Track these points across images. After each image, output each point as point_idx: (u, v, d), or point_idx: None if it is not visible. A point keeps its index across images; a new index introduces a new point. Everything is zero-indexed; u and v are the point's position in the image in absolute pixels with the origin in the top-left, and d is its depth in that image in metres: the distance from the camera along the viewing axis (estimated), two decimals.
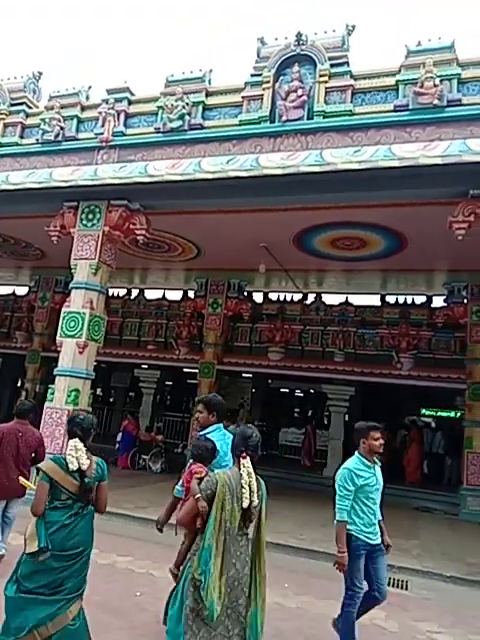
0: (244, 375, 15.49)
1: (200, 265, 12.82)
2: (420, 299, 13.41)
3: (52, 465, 3.04)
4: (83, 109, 9.63)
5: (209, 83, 8.85)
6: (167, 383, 16.53)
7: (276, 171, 7.39)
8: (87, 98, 9.77)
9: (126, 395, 18.50)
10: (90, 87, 9.84)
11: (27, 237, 11.99)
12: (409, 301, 13.45)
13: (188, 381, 15.68)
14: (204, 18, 47.09)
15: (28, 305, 16.08)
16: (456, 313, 11.66)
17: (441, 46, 7.58)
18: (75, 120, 9.50)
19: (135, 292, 16.22)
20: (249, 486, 2.78)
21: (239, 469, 2.84)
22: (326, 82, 7.94)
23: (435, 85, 7.24)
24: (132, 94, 9.31)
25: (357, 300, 14.10)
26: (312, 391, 16.43)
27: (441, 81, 7.30)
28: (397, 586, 5.91)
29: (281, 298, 14.69)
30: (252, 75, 8.46)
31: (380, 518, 4.16)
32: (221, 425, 3.61)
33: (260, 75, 8.30)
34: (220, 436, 3.59)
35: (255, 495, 2.81)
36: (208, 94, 8.73)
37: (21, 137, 10.02)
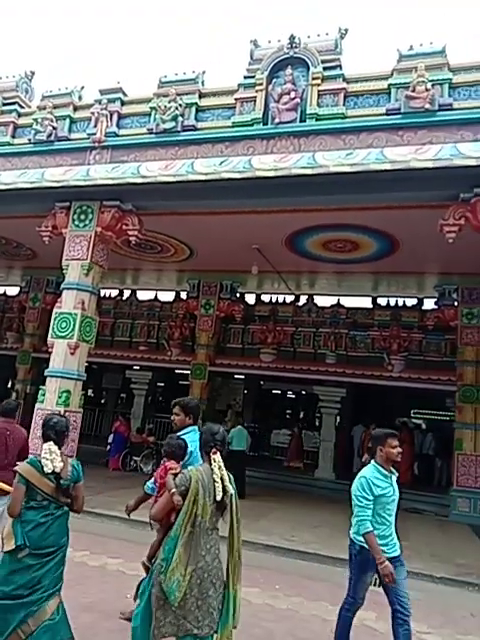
0: (236, 376, 15.50)
1: (192, 266, 12.82)
2: (411, 301, 13.50)
3: (28, 468, 3.12)
4: (76, 109, 9.60)
5: (202, 84, 8.86)
6: (159, 384, 16.49)
7: (269, 173, 7.41)
8: (80, 98, 9.74)
9: (117, 396, 18.44)
10: (83, 87, 9.81)
11: (18, 237, 11.93)
12: (400, 303, 13.53)
13: (180, 382, 15.65)
14: (204, 18, 47.17)
15: (19, 305, 15.98)
16: (447, 315, 11.75)
17: (433, 51, 7.64)
18: (68, 120, 9.48)
19: (127, 293, 16.19)
20: (221, 480, 2.88)
21: (210, 464, 2.94)
22: (319, 85, 7.98)
23: (427, 89, 7.30)
24: (125, 95, 9.30)
25: (349, 302, 14.18)
26: (304, 393, 16.48)
27: (433, 85, 7.35)
28: None
29: (273, 300, 14.73)
30: (245, 77, 8.48)
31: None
32: (196, 427, 3.66)
33: (253, 77, 8.33)
34: (195, 437, 3.62)
35: (230, 489, 2.92)
36: (201, 95, 8.74)
37: (13, 137, 9.97)
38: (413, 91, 7.35)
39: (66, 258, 8.77)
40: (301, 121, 7.92)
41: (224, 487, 2.89)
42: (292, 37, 8.17)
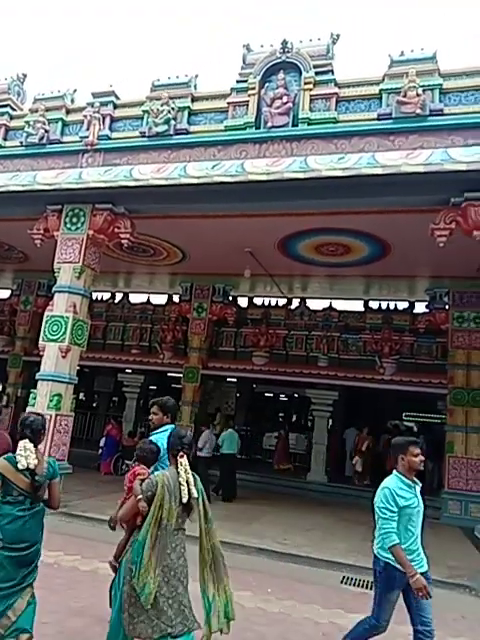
0: (229, 380, 15.49)
1: (185, 269, 12.81)
2: (403, 305, 13.55)
3: (4, 463, 3.20)
4: (68, 112, 9.59)
5: (195, 88, 8.90)
6: (151, 388, 16.43)
7: (261, 177, 7.45)
8: (72, 101, 9.74)
9: (109, 400, 18.35)
10: (75, 90, 9.82)
11: (10, 240, 11.88)
12: (392, 307, 13.59)
13: (172, 386, 15.61)
14: (204, 18, 47.29)
15: (10, 308, 15.88)
16: (438, 319, 11.82)
17: (423, 57, 7.73)
18: (60, 123, 9.47)
19: (119, 296, 16.14)
20: (187, 482, 2.98)
21: (176, 467, 3.04)
22: (311, 90, 8.03)
23: (418, 95, 7.38)
24: (118, 98, 9.31)
25: (341, 305, 14.22)
26: (296, 396, 16.50)
27: (423, 91, 7.44)
28: None
29: (266, 303, 14.75)
30: (238, 81, 8.52)
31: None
32: (174, 426, 3.72)
33: (246, 81, 8.37)
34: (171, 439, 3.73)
35: (194, 491, 3.00)
36: (194, 99, 8.77)
37: (5, 139, 9.95)
38: (404, 96, 7.42)
39: (58, 261, 8.75)
40: (293, 125, 7.97)
41: (189, 490, 2.98)
42: (284, 42, 8.22)
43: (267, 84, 8.27)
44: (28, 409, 8.32)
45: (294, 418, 18.13)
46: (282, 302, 14.57)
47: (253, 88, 8.27)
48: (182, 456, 3.06)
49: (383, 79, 7.79)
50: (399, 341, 12.69)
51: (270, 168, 7.48)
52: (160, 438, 3.56)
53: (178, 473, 3.01)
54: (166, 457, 3.42)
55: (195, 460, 10.85)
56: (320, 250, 10.53)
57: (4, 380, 15.41)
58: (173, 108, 8.56)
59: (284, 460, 14.21)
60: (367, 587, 6.01)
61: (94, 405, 18.86)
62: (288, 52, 8.23)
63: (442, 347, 12.29)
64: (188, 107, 8.64)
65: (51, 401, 8.15)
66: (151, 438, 3.77)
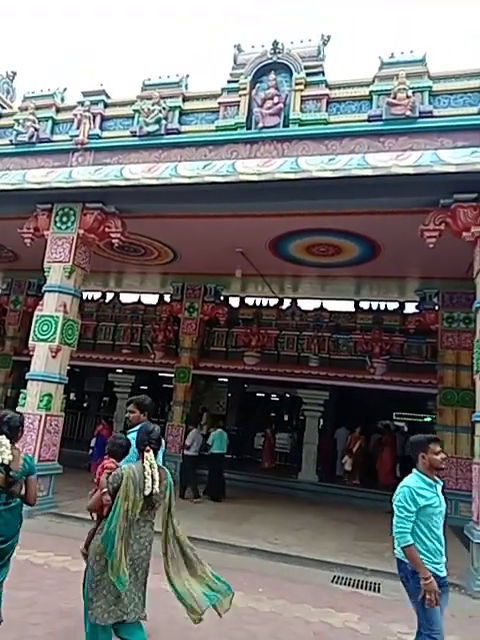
0: (220, 380, 15.48)
1: (176, 269, 12.79)
2: (393, 305, 13.63)
3: None
4: (58, 111, 9.53)
5: (186, 88, 8.88)
6: (142, 388, 16.37)
7: (252, 177, 7.46)
8: (62, 100, 9.68)
9: (100, 400, 18.28)
10: (65, 89, 9.75)
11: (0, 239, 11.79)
12: (382, 307, 13.67)
13: (163, 386, 15.59)
14: (204, 18, 47.21)
15: (0, 308, 15.76)
16: (428, 319, 11.90)
17: (413, 59, 7.77)
18: (50, 122, 9.40)
19: (110, 296, 16.08)
20: (151, 476, 3.11)
21: (143, 462, 3.18)
22: (302, 90, 8.05)
23: (408, 96, 7.42)
24: (108, 97, 9.27)
25: (332, 306, 14.27)
26: (287, 396, 16.53)
27: (413, 93, 7.47)
28: (370, 588, 5.99)
29: (257, 303, 14.76)
30: (229, 81, 8.52)
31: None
32: (144, 423, 3.75)
33: (237, 82, 8.37)
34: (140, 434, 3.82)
35: (157, 483, 3.13)
36: (185, 99, 8.75)
37: None
38: (394, 98, 7.46)
39: (48, 260, 8.71)
40: (284, 126, 7.98)
41: (152, 483, 3.12)
42: (275, 43, 8.23)
43: (258, 84, 8.28)
44: (18, 410, 8.27)
45: (286, 418, 18.15)
46: (273, 302, 14.60)
47: (244, 88, 8.28)
48: (148, 451, 3.20)
49: (373, 81, 7.83)
50: (389, 341, 12.76)
51: (261, 168, 7.50)
52: (132, 438, 3.65)
53: (143, 467, 3.14)
54: (163, 452, 3.54)
55: (182, 459, 10.93)
56: (311, 250, 10.56)
57: None
58: (164, 108, 8.54)
59: (270, 458, 14.28)
60: (357, 586, 6.05)
61: (85, 405, 18.77)
62: (279, 53, 8.24)
63: (432, 347, 12.37)
64: (179, 107, 8.63)
65: (41, 401, 8.11)
66: (129, 436, 3.85)
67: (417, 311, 12.70)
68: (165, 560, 3.29)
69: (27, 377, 8.39)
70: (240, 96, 8.30)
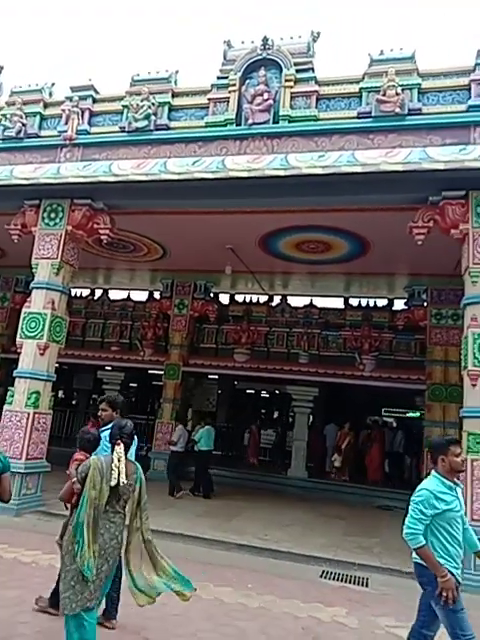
0: (210, 377, 15.47)
1: (166, 266, 12.74)
2: (382, 302, 13.71)
3: None
4: (46, 106, 9.43)
5: (175, 84, 8.83)
6: (131, 385, 16.32)
7: (242, 173, 7.45)
8: (50, 95, 9.58)
9: (89, 397, 18.18)
10: (53, 84, 9.65)
11: None
12: (371, 304, 13.73)
13: (153, 383, 15.54)
14: (204, 18, 46.96)
15: None
16: (416, 316, 11.97)
17: (402, 56, 7.79)
18: (38, 117, 9.30)
19: (99, 292, 15.98)
20: (118, 468, 3.22)
21: (112, 454, 3.31)
22: (292, 87, 8.04)
23: (397, 94, 7.43)
24: (97, 92, 9.19)
25: (321, 303, 14.31)
26: (277, 392, 16.56)
27: (402, 90, 7.49)
28: (358, 583, 6.03)
29: (247, 300, 14.76)
30: (218, 77, 8.47)
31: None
32: (117, 419, 3.84)
33: (226, 78, 8.33)
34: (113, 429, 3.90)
35: (123, 476, 3.23)
36: (174, 95, 8.70)
37: None
38: (384, 95, 7.47)
39: (36, 257, 8.63)
40: (274, 122, 7.96)
41: (119, 475, 3.23)
42: (265, 39, 8.21)
43: (248, 81, 8.25)
44: (5, 407, 8.21)
45: (276, 414, 18.19)
46: (263, 299, 14.60)
47: (234, 84, 8.24)
48: (118, 444, 3.32)
49: (363, 78, 7.83)
50: (378, 338, 12.83)
51: (251, 165, 7.48)
52: (101, 433, 3.82)
53: (112, 459, 3.27)
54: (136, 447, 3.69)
55: (169, 455, 10.94)
56: (301, 247, 10.58)
57: None
58: (153, 103, 8.48)
59: (255, 455, 14.38)
60: (346, 581, 6.09)
61: (73, 403, 18.67)
62: (269, 49, 8.22)
63: (420, 344, 12.46)
64: (168, 103, 8.58)
65: (29, 399, 8.05)
66: (102, 434, 3.97)
67: (406, 308, 12.78)
68: (127, 549, 3.42)
69: (15, 374, 8.32)
70: (230, 92, 8.27)
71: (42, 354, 8.21)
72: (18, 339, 8.43)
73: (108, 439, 3.53)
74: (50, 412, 8.48)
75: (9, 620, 4.05)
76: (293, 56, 8.17)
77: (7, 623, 3.99)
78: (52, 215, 8.69)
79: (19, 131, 9.14)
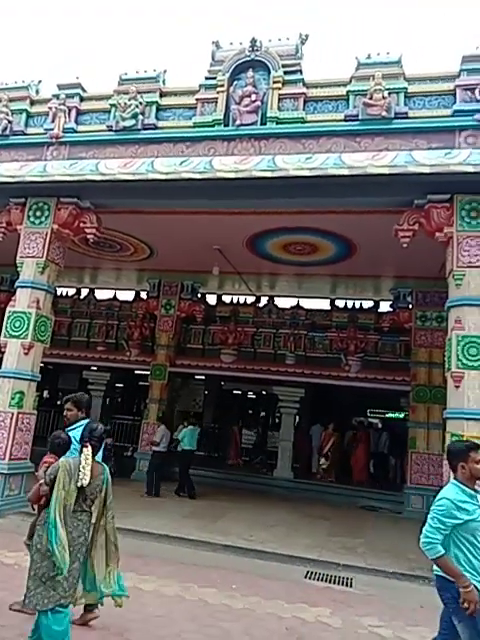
0: (197, 377, 15.44)
1: (153, 266, 12.69)
2: (368, 304, 13.80)
3: None
4: (32, 103, 9.34)
5: (163, 83, 8.80)
6: (117, 385, 16.23)
7: (229, 174, 7.45)
8: (37, 92, 9.48)
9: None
10: (40, 81, 9.56)
11: None
12: (357, 306, 13.82)
13: (139, 383, 15.46)
14: (204, 18, 46.81)
15: None
16: (401, 318, 12.09)
17: (389, 60, 7.84)
18: (24, 114, 9.20)
19: (85, 292, 15.86)
20: (85, 469, 3.35)
21: (80, 456, 3.43)
22: (279, 89, 8.06)
23: (384, 97, 7.49)
24: (84, 90, 9.12)
25: (308, 304, 14.37)
26: (264, 393, 16.58)
27: (389, 94, 7.55)
28: (342, 583, 6.06)
29: (234, 300, 14.77)
30: (207, 78, 8.47)
31: None
32: (89, 420, 3.89)
33: (215, 78, 8.33)
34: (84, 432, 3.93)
35: (87, 477, 3.35)
36: (162, 94, 8.68)
37: None
38: (370, 98, 7.52)
39: (21, 255, 8.55)
40: (262, 124, 7.97)
41: (85, 475, 3.36)
42: (253, 40, 8.22)
43: (236, 82, 8.25)
44: None
45: (263, 415, 18.21)
46: (251, 300, 14.62)
47: (222, 85, 8.24)
48: (86, 447, 3.44)
49: (350, 81, 7.87)
50: (364, 339, 12.92)
51: (238, 166, 7.49)
52: (77, 433, 3.77)
53: (80, 460, 3.39)
54: (103, 449, 3.78)
55: (151, 455, 10.93)
56: (288, 249, 10.61)
57: None
58: (141, 102, 8.45)
59: (236, 455, 14.44)
60: (330, 581, 6.12)
61: (58, 403, 18.49)
62: (257, 50, 8.23)
63: (405, 345, 12.57)
64: (156, 102, 8.55)
65: (13, 399, 7.96)
66: (70, 433, 3.99)
67: (391, 310, 12.89)
68: (92, 545, 3.56)
69: None
70: (218, 93, 8.27)
71: (26, 354, 8.14)
72: (2, 338, 8.33)
73: (77, 440, 3.61)
74: (34, 412, 8.40)
75: None
76: (281, 58, 8.19)
77: None
78: (38, 213, 8.61)
79: (5, 128, 9.03)
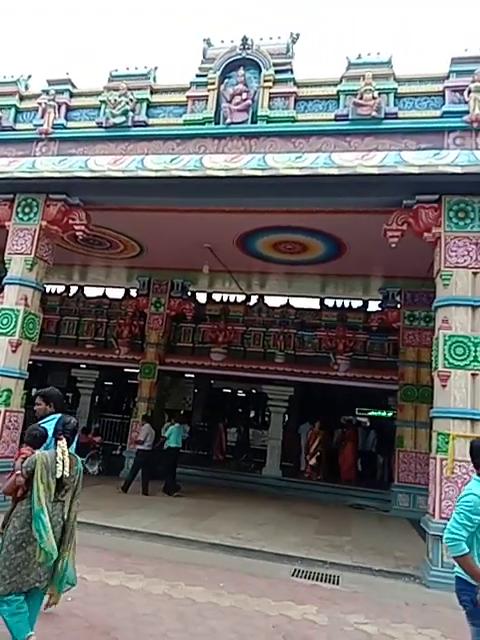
0: (186, 376, 15.43)
1: (143, 263, 12.65)
2: (357, 303, 13.88)
3: None
4: (22, 99, 9.25)
5: (154, 80, 8.76)
6: (106, 383, 16.16)
7: (219, 172, 7.44)
8: (26, 88, 9.40)
9: (63, 396, 17.92)
10: (29, 76, 9.48)
11: None
12: (346, 305, 13.89)
13: (129, 381, 15.41)
14: (204, 18, 46.58)
15: None
16: (390, 317, 12.16)
17: (379, 61, 7.87)
18: (13, 110, 9.12)
19: (74, 289, 15.76)
20: (62, 461, 3.46)
21: (56, 448, 3.53)
22: (270, 87, 8.06)
23: (374, 97, 7.51)
24: (74, 87, 9.06)
25: (298, 303, 14.40)
26: (253, 391, 16.61)
27: (379, 94, 7.58)
28: (329, 581, 6.09)
29: (224, 299, 14.76)
30: (198, 75, 8.45)
31: None
32: (59, 415, 3.90)
33: (205, 76, 8.31)
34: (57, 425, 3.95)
35: (67, 468, 3.48)
36: (153, 91, 8.64)
37: None
38: (360, 99, 7.55)
39: (9, 252, 8.47)
40: (252, 122, 7.97)
41: (63, 467, 3.47)
42: (245, 39, 8.22)
43: (227, 80, 8.24)
44: None
45: (253, 413, 18.25)
46: (241, 298, 14.62)
47: (213, 83, 8.22)
48: (61, 439, 3.56)
49: (341, 80, 7.90)
50: (353, 338, 12.98)
51: (228, 164, 7.48)
52: (48, 428, 3.83)
53: (56, 453, 3.49)
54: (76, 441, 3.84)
55: (136, 454, 10.91)
56: (278, 248, 10.63)
57: None
58: (131, 99, 8.41)
59: (221, 452, 14.46)
60: (317, 579, 6.15)
61: None
62: (248, 49, 8.23)
63: (393, 345, 12.65)
64: (147, 99, 8.51)
65: (0, 397, 7.90)
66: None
67: (380, 309, 12.95)
68: (62, 532, 3.65)
69: None
70: (208, 91, 8.25)
71: (14, 351, 8.07)
72: None
73: (52, 433, 3.70)
74: (22, 410, 8.34)
75: None
76: (272, 57, 8.19)
77: None
78: (26, 210, 8.54)
79: None
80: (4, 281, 8.49)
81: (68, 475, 3.52)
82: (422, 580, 6.28)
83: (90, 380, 14.55)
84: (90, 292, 15.76)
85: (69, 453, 3.59)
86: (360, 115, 7.52)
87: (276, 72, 8.11)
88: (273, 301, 14.57)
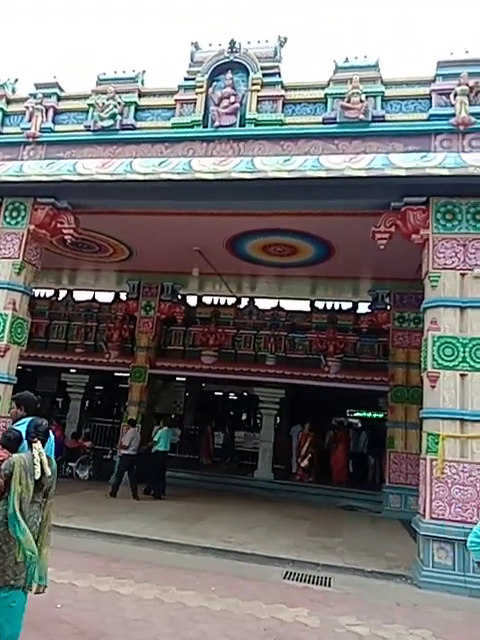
0: (177, 379, 15.38)
1: (132, 267, 12.62)
2: (347, 305, 13.94)
3: None
4: (9, 102, 9.20)
5: (142, 84, 8.76)
6: (96, 388, 16.07)
7: (208, 175, 7.45)
8: (13, 91, 9.35)
9: (53, 401, 17.79)
10: (16, 80, 9.43)
11: None
12: (336, 307, 13.95)
13: (119, 385, 15.34)
14: (204, 18, 46.57)
15: None
16: (379, 319, 12.23)
17: (367, 64, 7.93)
18: (0, 113, 9.07)
19: (63, 293, 15.68)
20: (40, 463, 3.48)
21: (32, 451, 3.54)
22: (258, 91, 8.08)
23: (361, 101, 7.56)
24: (62, 90, 9.03)
25: (288, 305, 14.44)
26: (245, 394, 16.60)
27: (367, 97, 7.63)
28: (321, 583, 6.09)
29: (215, 302, 14.76)
30: (186, 79, 8.45)
31: None
32: (32, 418, 3.93)
33: (193, 79, 8.32)
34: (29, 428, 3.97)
35: (47, 469, 3.51)
36: (141, 95, 8.63)
37: None
38: (348, 102, 7.59)
39: None
40: (240, 125, 7.99)
41: (42, 469, 3.48)
42: (232, 42, 8.24)
43: (215, 83, 8.26)
44: None
45: (244, 416, 18.23)
46: (231, 301, 14.63)
47: (201, 86, 8.23)
48: (36, 441, 3.58)
49: (328, 84, 7.94)
50: (343, 340, 13.04)
51: (217, 167, 7.49)
52: (21, 431, 3.83)
53: (33, 455, 3.50)
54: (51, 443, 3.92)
55: (120, 458, 10.82)
56: (268, 250, 10.65)
57: None
58: (119, 103, 8.39)
59: (208, 455, 14.48)
60: (309, 581, 6.15)
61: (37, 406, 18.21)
62: (236, 52, 8.25)
63: (383, 346, 12.71)
64: (135, 102, 8.50)
65: None
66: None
67: (370, 311, 13.02)
68: (40, 531, 3.66)
69: None
70: (197, 94, 8.26)
71: (2, 356, 8.00)
72: None
73: (25, 436, 3.73)
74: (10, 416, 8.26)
75: None
76: (260, 60, 8.22)
77: None
78: (14, 214, 8.49)
79: None
80: None
81: (46, 476, 3.56)
82: (413, 581, 6.30)
83: (80, 385, 14.46)
84: (79, 296, 15.71)
85: (46, 455, 3.64)
86: (348, 118, 7.56)
87: (264, 75, 8.14)
88: (264, 303, 14.60)
